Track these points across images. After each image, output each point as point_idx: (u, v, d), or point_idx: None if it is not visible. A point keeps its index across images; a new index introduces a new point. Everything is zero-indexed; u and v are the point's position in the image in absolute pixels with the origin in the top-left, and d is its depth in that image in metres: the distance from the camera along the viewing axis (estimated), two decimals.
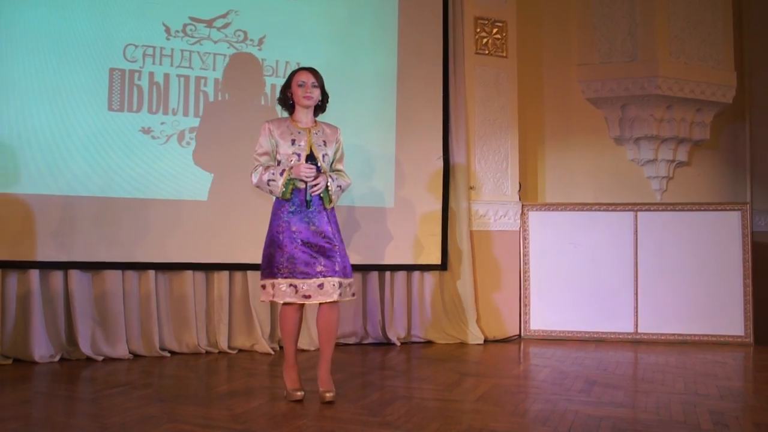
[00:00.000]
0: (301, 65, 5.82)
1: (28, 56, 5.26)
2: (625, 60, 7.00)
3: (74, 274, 5.37)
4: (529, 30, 7.27)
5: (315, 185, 4.09)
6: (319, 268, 4.05)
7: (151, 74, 5.61)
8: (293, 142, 4.16)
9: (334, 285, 4.04)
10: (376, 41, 6.39)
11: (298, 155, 4.14)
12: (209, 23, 5.79)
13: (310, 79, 4.21)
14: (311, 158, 4.13)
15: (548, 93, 7.37)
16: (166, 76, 5.66)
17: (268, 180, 4.10)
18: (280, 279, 4.05)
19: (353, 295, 4.24)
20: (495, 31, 6.84)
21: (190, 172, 5.68)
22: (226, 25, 5.85)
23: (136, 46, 5.58)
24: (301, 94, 4.19)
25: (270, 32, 5.98)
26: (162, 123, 5.62)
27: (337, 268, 4.08)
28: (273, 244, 4.11)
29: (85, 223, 5.37)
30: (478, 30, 6.79)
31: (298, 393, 4.14)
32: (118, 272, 5.51)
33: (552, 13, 7.38)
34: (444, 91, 6.60)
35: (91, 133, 5.41)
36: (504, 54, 6.88)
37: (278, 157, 4.17)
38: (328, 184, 4.15)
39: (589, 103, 7.23)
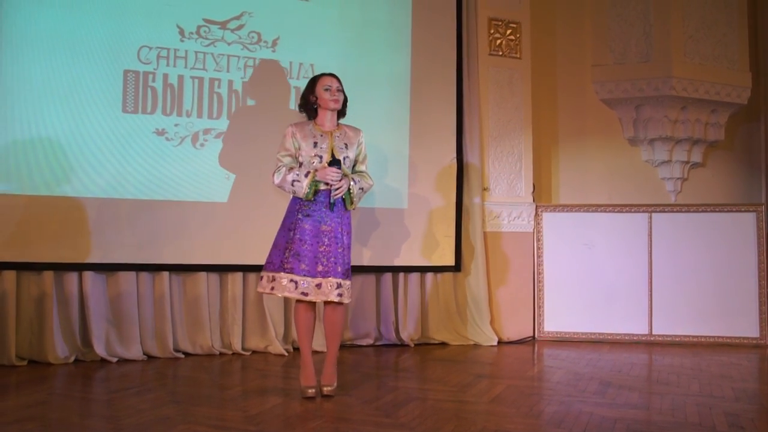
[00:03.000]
0: (315, 67, 5.94)
1: (42, 57, 5.28)
2: (639, 61, 6.97)
3: (89, 275, 5.38)
4: (542, 31, 7.25)
5: (338, 188, 4.20)
6: (320, 268, 4.20)
7: (165, 76, 5.63)
8: (315, 144, 4.29)
9: (331, 285, 4.19)
10: (390, 43, 6.39)
11: (320, 157, 4.26)
12: (223, 25, 5.80)
13: (335, 84, 4.36)
14: (335, 162, 4.22)
15: (562, 94, 7.35)
16: (180, 77, 5.68)
17: (293, 180, 4.22)
18: (282, 273, 4.18)
19: (348, 299, 4.31)
20: (509, 32, 6.82)
21: (203, 173, 5.69)
22: (239, 27, 5.86)
23: (150, 48, 5.59)
24: (328, 98, 4.32)
25: (283, 34, 5.99)
26: (176, 125, 5.63)
27: (339, 270, 4.23)
28: (283, 238, 4.25)
29: (99, 224, 5.38)
30: (492, 31, 6.78)
31: (309, 390, 4.22)
32: (132, 274, 5.52)
33: (566, 14, 7.36)
34: (458, 93, 6.59)
35: (105, 134, 5.42)
36: (518, 55, 6.86)
37: (300, 159, 4.31)
38: (351, 186, 4.27)
39: (603, 104, 7.21)
